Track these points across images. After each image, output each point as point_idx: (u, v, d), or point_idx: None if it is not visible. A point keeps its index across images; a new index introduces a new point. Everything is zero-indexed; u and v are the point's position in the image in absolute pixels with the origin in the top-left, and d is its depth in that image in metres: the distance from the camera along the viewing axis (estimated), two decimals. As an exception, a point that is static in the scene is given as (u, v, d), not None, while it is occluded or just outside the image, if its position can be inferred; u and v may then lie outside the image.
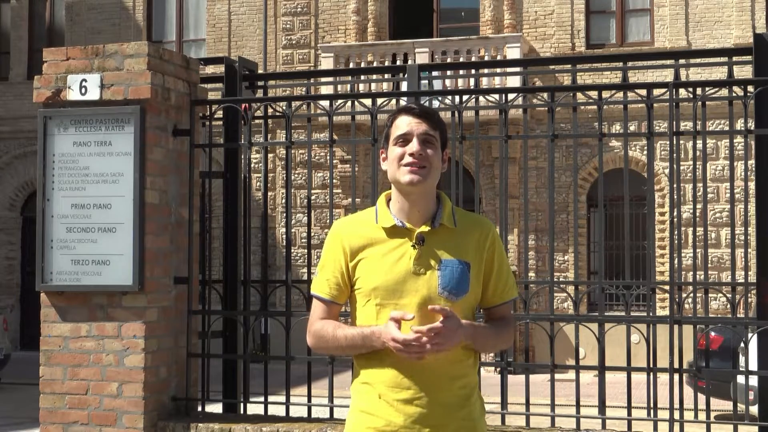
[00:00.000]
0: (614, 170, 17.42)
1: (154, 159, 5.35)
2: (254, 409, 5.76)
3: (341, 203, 19.58)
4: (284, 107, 5.81)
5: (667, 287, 5.36)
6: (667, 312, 6.07)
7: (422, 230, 3.05)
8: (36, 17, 23.04)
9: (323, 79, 7.45)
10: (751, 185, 9.39)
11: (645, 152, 17.83)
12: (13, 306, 21.55)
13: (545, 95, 5.50)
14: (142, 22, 21.92)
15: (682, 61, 6.26)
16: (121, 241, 5.26)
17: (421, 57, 19.03)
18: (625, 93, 5.51)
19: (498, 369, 8.57)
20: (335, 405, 5.42)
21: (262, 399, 5.65)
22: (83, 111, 5.35)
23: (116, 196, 5.28)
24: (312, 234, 8.13)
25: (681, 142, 6.07)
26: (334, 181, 11.59)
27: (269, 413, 5.60)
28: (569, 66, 6.74)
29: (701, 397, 5.81)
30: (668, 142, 6.59)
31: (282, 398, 5.58)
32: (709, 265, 18.25)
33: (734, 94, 5.33)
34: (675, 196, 8.35)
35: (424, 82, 6.10)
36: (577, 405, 5.23)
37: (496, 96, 5.61)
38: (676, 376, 5.11)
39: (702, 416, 5.28)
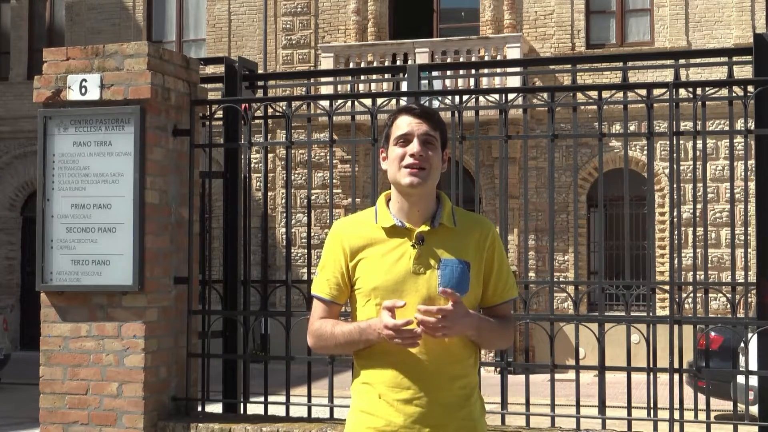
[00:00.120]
0: (614, 170, 17.42)
1: (154, 159, 5.35)
2: (254, 409, 5.76)
3: (341, 203, 19.58)
4: (284, 107, 5.81)
5: (667, 287, 5.36)
6: (667, 312, 6.07)
7: (422, 230, 3.06)
8: (36, 17, 23.04)
9: (323, 79, 7.45)
10: (751, 185, 9.39)
11: (645, 152, 17.83)
12: (13, 306, 21.55)
13: (545, 95, 5.50)
14: (142, 22, 21.92)
15: (682, 61, 6.26)
16: (121, 241, 5.26)
17: (421, 57, 19.03)
18: (625, 93, 5.51)
19: (498, 369, 8.58)
20: (335, 405, 5.42)
21: (262, 399, 5.65)
22: (83, 111, 5.35)
23: (116, 196, 5.28)
24: (312, 234, 8.13)
25: (681, 142, 6.07)
26: (334, 181, 11.59)
27: (269, 413, 5.60)
28: (569, 66, 6.74)
29: (701, 397, 5.81)
30: (668, 142, 6.59)
31: (282, 398, 5.58)
32: (709, 265, 18.25)
33: (734, 94, 5.33)
34: (675, 196, 8.35)
35: (424, 82, 6.10)
36: (577, 405, 5.23)
37: (496, 96, 5.61)
38: (676, 376, 5.11)
39: (702, 416, 5.28)
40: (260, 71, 12.88)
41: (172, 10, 22.07)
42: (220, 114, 5.87)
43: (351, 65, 19.54)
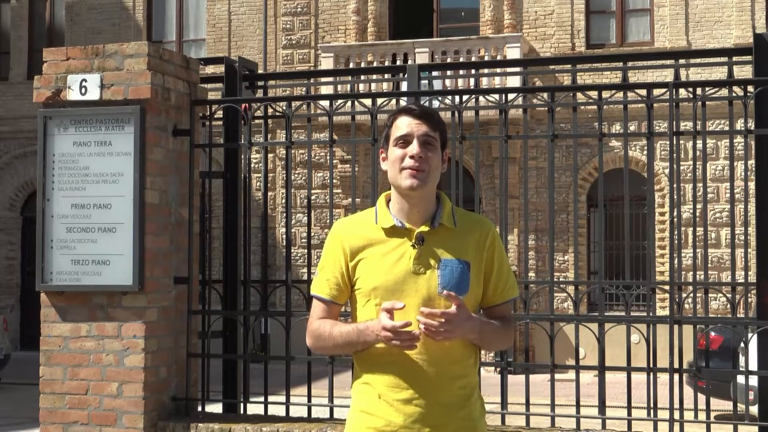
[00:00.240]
0: (614, 170, 17.42)
1: (154, 159, 5.35)
2: (254, 409, 5.76)
3: (341, 203, 19.58)
4: (284, 107, 5.81)
5: (667, 287, 5.36)
6: (667, 312, 6.07)
7: (422, 230, 3.06)
8: (36, 17, 23.04)
9: (323, 79, 7.45)
10: (751, 185, 9.38)
11: (645, 152, 17.83)
12: (13, 306, 21.55)
13: (545, 95, 5.50)
14: (142, 22, 21.92)
15: (682, 61, 6.26)
16: (121, 241, 5.26)
17: (421, 57, 19.03)
18: (625, 93, 5.51)
19: (498, 369, 8.57)
20: (335, 405, 5.42)
21: (262, 399, 5.65)
22: (83, 111, 5.35)
23: (116, 196, 5.28)
24: (312, 234, 8.13)
25: (681, 142, 6.07)
26: (334, 181, 11.59)
27: (269, 413, 5.60)
28: (569, 66, 6.74)
29: (701, 397, 5.81)
30: (668, 142, 6.59)
31: (282, 398, 5.58)
32: (709, 265, 18.25)
33: (734, 94, 5.33)
34: (675, 196, 8.35)
35: (424, 82, 6.10)
36: (577, 405, 5.23)
37: (496, 96, 5.61)
38: (676, 376, 5.11)
39: (702, 416, 5.28)
40: (260, 71, 12.88)
41: (172, 10, 22.07)
42: (220, 114, 5.87)
43: (351, 65, 19.54)
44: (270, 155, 19.69)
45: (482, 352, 3.34)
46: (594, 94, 5.42)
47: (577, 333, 5.39)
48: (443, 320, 2.90)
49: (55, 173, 5.39)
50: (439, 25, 20.88)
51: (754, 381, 5.56)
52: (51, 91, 5.41)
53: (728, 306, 5.45)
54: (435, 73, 14.73)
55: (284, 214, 9.01)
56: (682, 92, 5.47)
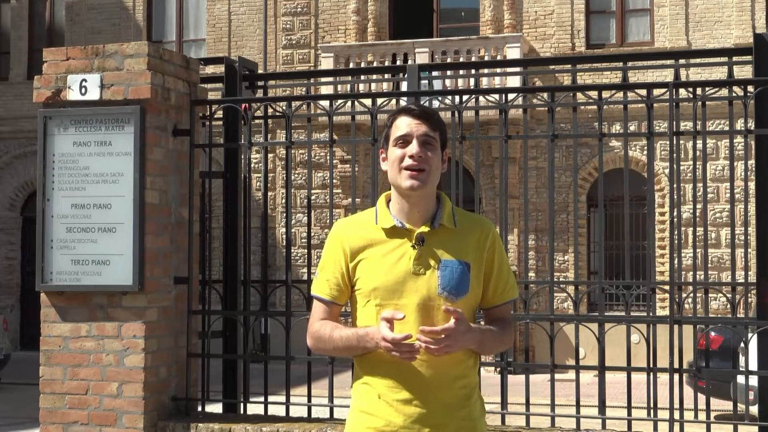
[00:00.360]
0: (614, 170, 17.42)
1: (154, 159, 5.35)
2: (254, 409, 5.76)
3: (341, 203, 19.58)
4: (284, 107, 5.81)
5: (667, 287, 5.36)
6: (667, 312, 6.07)
7: (422, 231, 3.06)
8: (36, 17, 23.04)
9: (323, 79, 7.45)
10: (751, 185, 9.38)
11: (645, 152, 17.83)
12: (13, 306, 21.55)
13: (545, 95, 5.50)
14: (142, 22, 21.92)
15: (682, 61, 6.26)
16: (121, 241, 5.26)
17: (421, 57, 19.03)
18: (625, 93, 5.50)
19: (498, 369, 8.58)
20: (335, 405, 5.42)
21: (262, 399, 5.65)
22: (83, 111, 5.35)
23: (116, 196, 5.28)
24: (312, 234, 8.13)
25: (681, 142, 6.07)
26: (334, 181, 11.59)
27: (269, 413, 5.60)
28: (569, 66, 6.73)
29: (701, 397, 5.81)
30: (668, 142, 6.59)
31: (282, 398, 5.58)
32: (709, 265, 18.25)
33: (734, 94, 5.33)
34: (675, 196, 8.35)
35: (424, 82, 6.10)
36: (577, 405, 5.23)
37: (496, 96, 5.61)
38: (676, 376, 5.11)
39: (702, 416, 5.28)
40: (260, 71, 12.88)
41: (172, 10, 22.07)
42: (220, 114, 5.87)
43: (351, 65, 19.54)
44: (270, 155, 19.69)
45: (482, 352, 3.34)
46: (594, 94, 5.42)
47: (577, 333, 5.39)
48: (443, 336, 2.90)
49: (55, 173, 5.39)
50: (439, 25, 20.88)
51: (754, 381, 5.56)
52: (51, 91, 5.41)
53: (728, 306, 5.45)
54: (435, 73, 14.73)
55: (284, 214, 9.01)
56: (682, 92, 5.47)
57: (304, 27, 21.03)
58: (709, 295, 7.00)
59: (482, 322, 3.20)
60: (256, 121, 6.13)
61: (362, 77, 9.26)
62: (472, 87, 15.24)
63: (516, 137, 5.80)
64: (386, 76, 11.08)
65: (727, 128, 9.50)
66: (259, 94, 6.25)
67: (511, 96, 5.61)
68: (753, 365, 5.27)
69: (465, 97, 5.59)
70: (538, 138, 13.64)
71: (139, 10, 21.98)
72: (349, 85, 7.30)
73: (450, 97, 5.68)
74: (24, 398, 12.94)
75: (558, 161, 18.21)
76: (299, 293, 5.80)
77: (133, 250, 5.23)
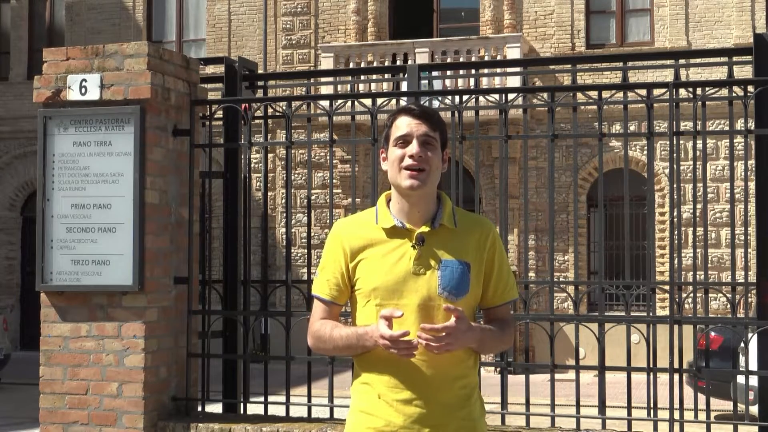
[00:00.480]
0: (614, 170, 17.42)
1: (154, 159, 5.35)
2: (254, 409, 5.76)
3: (341, 203, 19.58)
4: (284, 107, 5.81)
5: (667, 287, 5.36)
6: (667, 312, 6.07)
7: (422, 231, 3.06)
8: (36, 17, 23.04)
9: (323, 79, 7.45)
10: (751, 185, 9.39)
11: (645, 152, 17.83)
12: (13, 306, 21.55)
13: (545, 95, 5.50)
14: (142, 22, 21.92)
15: (682, 61, 6.26)
16: (121, 241, 5.26)
17: (421, 57, 19.03)
18: (625, 93, 5.50)
19: (498, 369, 8.57)
20: (335, 405, 5.42)
21: (262, 399, 5.65)
22: (83, 111, 5.35)
23: (116, 196, 5.28)
24: (312, 234, 8.13)
25: (681, 142, 6.07)
26: (334, 181, 11.59)
27: (269, 413, 5.60)
28: (569, 66, 6.73)
29: (701, 397, 5.81)
30: (668, 142, 6.59)
31: (282, 398, 5.58)
32: (709, 265, 18.25)
33: (734, 94, 5.33)
34: (675, 196, 8.36)
35: (424, 82, 6.10)
36: (577, 405, 5.23)
37: (496, 96, 5.61)
38: (676, 376, 5.11)
39: (702, 416, 5.28)
40: (260, 71, 12.88)
41: (172, 10, 22.07)
42: (220, 114, 5.87)
43: (351, 65, 19.54)
44: (270, 155, 19.69)
45: (482, 352, 3.34)
46: (594, 94, 5.42)
47: (577, 333, 5.39)
48: (444, 334, 2.90)
49: (55, 173, 5.38)
50: (439, 25, 20.88)
51: (754, 381, 5.57)
52: (51, 91, 5.41)
53: (728, 306, 5.45)
54: (435, 73, 14.73)
55: (284, 214, 9.01)
56: (682, 92, 5.47)
57: (304, 27, 21.03)
58: (709, 295, 7.00)
59: (482, 322, 3.20)
60: (256, 121, 6.13)
61: (362, 77, 9.26)
62: (472, 87, 15.24)
63: (516, 137, 5.80)
64: (386, 76, 11.08)
65: (727, 128, 9.50)
66: (259, 94, 6.25)
67: (511, 96, 5.61)
68: (753, 365, 5.27)
69: (465, 97, 5.59)
70: (538, 138, 13.64)
71: (139, 10, 21.98)
72: (349, 85, 7.30)
73: (450, 97, 5.68)
74: (24, 398, 12.94)
75: (558, 161, 18.21)
76: (299, 293, 5.80)
77: (133, 250, 5.23)
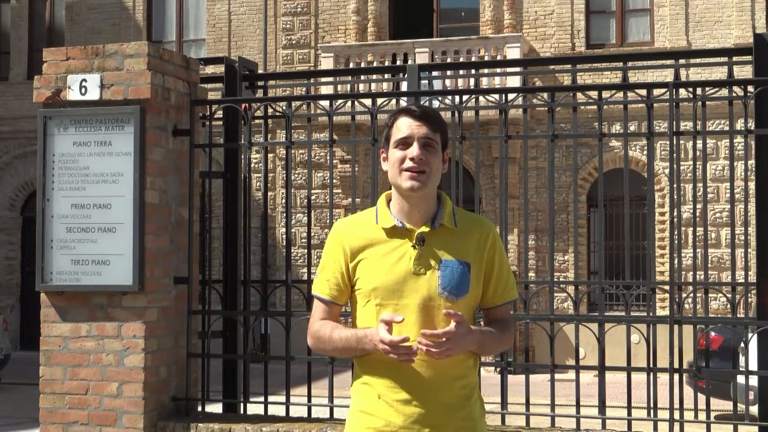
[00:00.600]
0: (614, 170, 17.42)
1: (154, 159, 5.35)
2: (254, 409, 5.76)
3: (341, 203, 19.58)
4: (284, 107, 5.81)
5: (667, 287, 5.36)
6: (667, 312, 6.07)
7: (422, 231, 3.05)
8: (36, 17, 23.04)
9: (323, 79, 7.45)
10: (751, 185, 9.38)
11: (645, 152, 17.83)
12: (13, 306, 21.55)
13: (545, 95, 5.50)
14: (142, 22, 21.92)
15: (682, 61, 6.26)
16: (121, 241, 5.26)
17: (421, 57, 19.03)
18: (625, 93, 5.50)
19: (498, 369, 8.57)
20: (335, 405, 5.42)
21: (262, 399, 5.65)
22: (83, 111, 5.35)
23: (116, 196, 5.28)
24: (312, 234, 8.13)
25: (681, 142, 6.07)
26: (334, 181, 11.59)
27: (269, 413, 5.60)
28: (569, 66, 6.73)
29: (701, 397, 5.81)
30: (668, 142, 6.59)
31: (282, 398, 5.58)
32: (709, 265, 18.25)
33: (734, 94, 5.33)
34: (675, 196, 8.35)
35: (424, 82, 6.10)
36: (577, 405, 5.23)
37: (496, 96, 5.61)
38: (676, 376, 5.11)
39: (702, 416, 5.28)
40: (260, 71, 12.88)
41: (172, 10, 22.07)
42: (220, 114, 5.87)
43: (351, 65, 19.54)
44: (270, 155, 19.69)
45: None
46: (594, 94, 5.42)
47: (577, 333, 5.39)
48: (444, 339, 2.90)
49: (55, 173, 5.38)
50: (439, 25, 20.88)
51: (754, 381, 5.57)
52: (51, 91, 5.40)
53: (728, 306, 5.45)
54: (435, 73, 14.73)
55: (284, 214, 9.01)
56: (682, 92, 5.47)
57: (304, 27, 21.03)
58: (709, 295, 7.00)
59: (482, 323, 3.21)
60: (256, 121, 6.13)
61: (362, 77, 9.26)
62: (472, 87, 15.24)
63: (516, 137, 5.80)
64: (386, 76, 11.08)
65: (727, 128, 9.50)
66: (259, 94, 6.25)
67: (511, 96, 5.61)
68: (753, 365, 5.27)
69: (465, 97, 5.59)
70: (538, 138, 13.64)
71: (139, 10, 21.98)
72: (349, 85, 7.30)
73: (450, 97, 5.68)
74: (24, 398, 12.94)
75: (558, 161, 18.21)
76: (299, 293, 5.80)
77: (133, 250, 5.23)
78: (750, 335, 5.20)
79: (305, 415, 5.51)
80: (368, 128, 5.83)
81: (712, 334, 10.94)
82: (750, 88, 5.22)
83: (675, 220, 5.87)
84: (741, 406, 7.34)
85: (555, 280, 7.10)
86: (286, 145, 5.61)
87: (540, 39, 19.76)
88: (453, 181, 5.38)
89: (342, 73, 7.85)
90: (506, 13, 19.82)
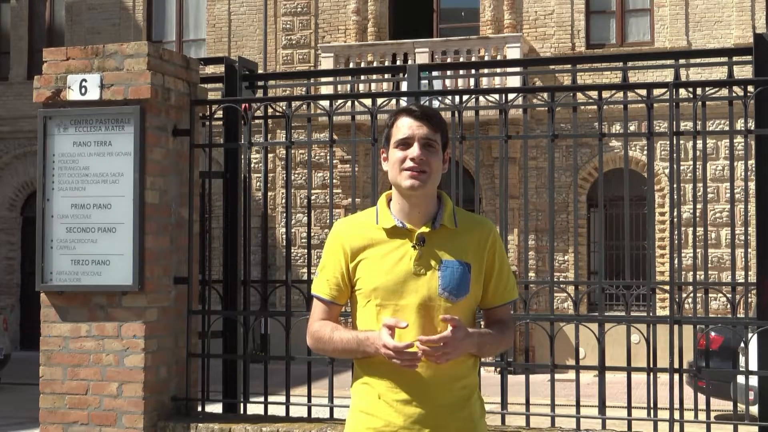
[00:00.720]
0: (614, 170, 17.42)
1: (154, 159, 5.35)
2: (254, 409, 5.76)
3: (341, 203, 19.58)
4: (284, 107, 5.81)
5: (667, 287, 5.36)
6: (667, 312, 6.07)
7: (423, 231, 3.05)
8: (36, 17, 23.04)
9: (323, 79, 7.45)
10: (751, 185, 9.38)
11: (645, 152, 17.83)
12: (13, 306, 21.55)
13: (545, 95, 5.50)
14: (142, 22, 21.92)
15: (682, 61, 6.26)
16: (121, 241, 5.26)
17: (421, 57, 19.03)
18: (625, 93, 5.50)
19: (498, 369, 8.58)
20: (335, 405, 5.42)
21: (262, 399, 5.65)
22: (83, 111, 5.35)
23: (116, 196, 5.28)
24: (312, 234, 8.13)
25: (681, 142, 6.07)
26: (334, 181, 11.59)
27: (269, 413, 5.60)
28: (569, 66, 6.74)
29: (701, 397, 5.81)
30: (668, 142, 6.59)
31: (282, 398, 5.58)
32: (709, 265, 18.25)
33: (734, 94, 5.33)
34: (675, 196, 8.36)
35: (424, 82, 6.10)
36: (577, 405, 5.23)
37: (496, 96, 5.61)
38: (676, 376, 5.11)
39: (702, 416, 5.28)
40: (260, 71, 12.88)
41: (172, 10, 22.07)
42: (220, 114, 5.87)
43: (351, 65, 19.54)
44: (270, 155, 19.69)
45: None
46: (594, 94, 5.42)
47: (577, 333, 5.39)
48: (442, 344, 2.90)
49: (55, 173, 5.38)
50: (439, 25, 20.87)
51: (754, 381, 5.56)
52: (51, 91, 5.41)
53: (728, 306, 5.45)
54: (435, 73, 14.72)
55: (284, 214, 9.01)
56: (682, 92, 5.47)
57: (304, 27, 21.03)
58: (709, 295, 7.00)
59: (482, 323, 3.21)
60: (256, 121, 6.13)
61: (362, 77, 9.26)
62: (472, 87, 15.24)
63: (516, 137, 5.80)
64: (386, 76, 11.08)
65: (727, 128, 9.50)
66: (259, 94, 6.25)
67: (511, 96, 5.61)
68: (753, 365, 5.27)
69: (465, 97, 5.59)
70: (538, 138, 13.65)
71: (139, 10, 21.98)
72: (349, 85, 7.30)
73: (450, 97, 5.68)
74: (24, 398, 12.93)
75: (558, 161, 18.21)
76: (299, 293, 5.80)
77: (133, 250, 5.23)
78: (750, 335, 5.20)
79: (305, 415, 5.51)
80: (368, 128, 5.83)
81: (712, 334, 10.94)
82: (750, 88, 5.22)
83: (675, 220, 5.87)
84: (741, 406, 7.34)
85: (555, 280, 7.10)
86: (286, 145, 5.61)
87: (540, 39, 19.75)
88: (453, 181, 5.38)
89: (342, 73, 7.84)
90: (506, 13, 19.82)
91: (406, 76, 5.91)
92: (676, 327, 4.98)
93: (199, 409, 5.66)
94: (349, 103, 5.82)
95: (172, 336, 5.47)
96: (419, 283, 3.02)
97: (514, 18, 19.79)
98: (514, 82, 15.75)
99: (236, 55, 15.87)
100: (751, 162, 6.00)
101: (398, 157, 3.05)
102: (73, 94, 5.36)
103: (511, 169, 18.37)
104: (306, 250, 11.39)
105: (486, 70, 12.84)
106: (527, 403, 5.37)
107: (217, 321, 5.81)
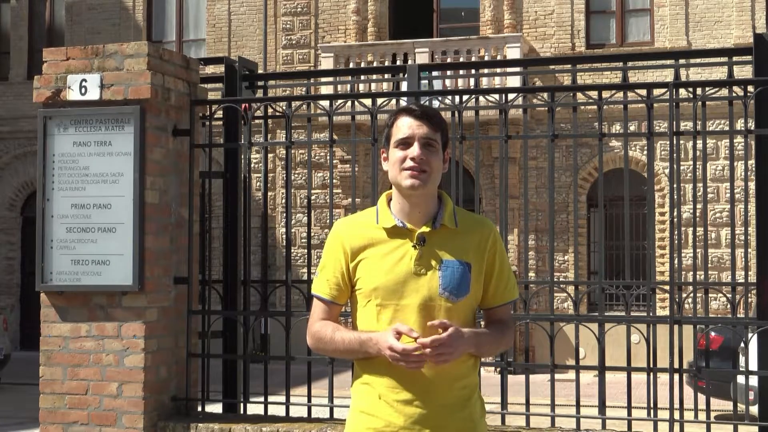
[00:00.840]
0: (614, 170, 17.42)
1: (154, 159, 5.35)
2: (254, 409, 5.76)
3: (341, 203, 19.58)
4: (284, 107, 5.81)
5: (667, 287, 5.36)
6: (667, 312, 6.07)
7: (423, 231, 3.05)
8: (36, 17, 23.04)
9: (323, 79, 7.45)
10: (751, 185, 9.38)
11: (645, 152, 17.83)
12: (13, 306, 21.55)
13: (545, 95, 5.50)
14: (142, 22, 21.92)
15: (682, 61, 6.26)
16: (121, 241, 5.26)
17: (421, 57, 19.03)
18: (625, 93, 5.51)
19: (498, 369, 8.58)
20: (335, 405, 5.42)
21: (262, 399, 5.65)
22: (83, 111, 5.35)
23: (116, 196, 5.28)
24: (312, 234, 8.13)
25: (681, 142, 6.07)
26: (334, 181, 11.59)
27: (269, 413, 5.60)
28: (569, 66, 6.74)
29: (701, 397, 5.81)
30: (668, 142, 6.59)
31: (282, 398, 5.58)
32: (709, 265, 18.25)
33: (734, 94, 5.33)
34: (675, 196, 8.36)
35: (424, 82, 6.10)
36: (577, 405, 5.23)
37: (496, 96, 5.61)
38: (676, 376, 5.11)
39: (702, 416, 5.28)
40: (260, 71, 12.87)
41: (172, 10, 22.07)
42: (220, 114, 5.87)
43: (351, 65, 19.54)
44: (270, 155, 19.70)
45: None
46: (594, 94, 5.42)
47: (577, 333, 5.39)
48: (437, 345, 2.90)
49: (55, 173, 5.38)
50: (439, 25, 20.87)
51: (754, 381, 5.56)
52: (51, 91, 5.41)
53: (728, 306, 5.45)
54: (435, 73, 14.72)
55: (284, 214, 9.01)
56: (682, 92, 5.47)
57: (304, 27, 21.03)
58: (709, 295, 7.00)
59: (482, 323, 3.20)
60: (256, 121, 6.13)
61: (362, 77, 9.26)
62: (472, 87, 15.24)
63: (516, 137, 5.81)
64: (386, 76, 11.08)
65: (727, 128, 9.50)
66: (259, 94, 6.25)
67: (511, 96, 5.61)
68: (753, 365, 5.27)
69: (465, 97, 5.59)
70: (538, 138, 13.65)
71: (139, 10, 21.98)
72: (349, 85, 7.30)
73: (450, 97, 5.68)
74: (24, 398, 12.94)
75: (558, 161, 18.22)
76: (299, 293, 5.80)
77: (133, 250, 5.23)
78: (750, 335, 5.20)
79: (305, 415, 5.51)
80: (368, 128, 5.83)
81: (712, 334, 10.94)
82: (750, 88, 5.22)
83: (675, 220, 5.87)
84: (741, 406, 7.34)
85: (555, 280, 7.10)
86: (286, 145, 5.61)
87: (540, 39, 19.75)
88: (453, 181, 5.38)
89: (342, 73, 7.84)
90: (506, 13, 19.82)
91: (406, 76, 5.91)
92: (676, 327, 4.98)
93: (199, 409, 5.66)
94: (349, 103, 5.82)
95: (172, 336, 5.47)
96: (420, 283, 3.02)
97: (514, 18, 19.79)
98: (514, 82, 15.75)
99: (236, 55, 15.87)
100: (751, 162, 6.00)
101: (398, 156, 3.05)
102: (73, 94, 5.36)
103: (511, 169, 18.37)
104: (306, 250, 11.39)
105: (486, 70, 12.84)
106: (527, 403, 5.37)
107: (217, 321, 5.81)
